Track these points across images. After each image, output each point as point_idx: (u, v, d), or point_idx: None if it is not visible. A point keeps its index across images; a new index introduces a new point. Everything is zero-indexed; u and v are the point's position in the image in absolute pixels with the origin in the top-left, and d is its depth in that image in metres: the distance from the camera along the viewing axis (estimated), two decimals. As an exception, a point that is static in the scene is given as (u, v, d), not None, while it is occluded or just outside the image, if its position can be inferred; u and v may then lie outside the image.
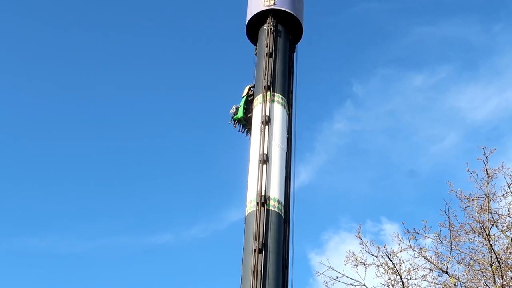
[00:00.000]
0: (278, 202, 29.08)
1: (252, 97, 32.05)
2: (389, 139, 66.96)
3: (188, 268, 64.75)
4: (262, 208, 28.68)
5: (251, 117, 31.61)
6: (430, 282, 18.37)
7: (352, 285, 19.01)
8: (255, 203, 28.82)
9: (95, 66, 70.40)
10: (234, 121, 32.23)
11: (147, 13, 72.72)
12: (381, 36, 70.35)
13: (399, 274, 18.05)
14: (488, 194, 19.84)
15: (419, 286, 18.41)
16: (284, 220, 29.13)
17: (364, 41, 70.88)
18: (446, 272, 18.23)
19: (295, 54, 33.24)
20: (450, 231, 18.64)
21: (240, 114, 31.95)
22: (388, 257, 18.10)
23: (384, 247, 18.36)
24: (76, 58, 70.55)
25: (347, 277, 18.84)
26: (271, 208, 28.81)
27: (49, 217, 66.64)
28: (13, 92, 69.10)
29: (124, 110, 69.79)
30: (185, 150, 68.74)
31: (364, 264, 18.81)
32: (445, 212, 18.76)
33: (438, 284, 18.40)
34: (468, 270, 18.52)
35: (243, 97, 32.30)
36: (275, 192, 29.24)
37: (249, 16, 33.28)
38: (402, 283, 18.15)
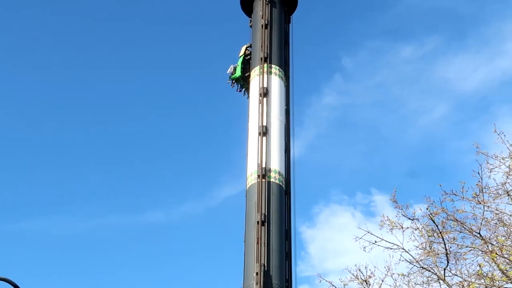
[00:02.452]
0: (279, 173, 29.06)
1: (249, 57, 32.12)
2: (379, 112, 67.15)
3: (180, 245, 64.40)
4: (263, 180, 28.64)
5: (248, 76, 31.66)
6: (463, 245, 18.37)
7: (391, 248, 19.02)
8: (256, 176, 28.75)
9: (84, 47, 69.09)
10: (232, 81, 32.30)
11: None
12: (368, 8, 69.83)
13: (441, 236, 18.11)
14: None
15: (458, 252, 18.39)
16: (285, 192, 29.18)
17: (351, 13, 70.28)
18: (480, 235, 18.26)
19: (290, 25, 33.15)
20: (482, 192, 18.78)
21: (238, 73, 31.97)
22: (432, 219, 18.12)
23: (427, 209, 18.37)
24: (64, 38, 69.10)
25: (386, 241, 18.85)
26: (272, 180, 28.79)
27: (41, 199, 65.80)
28: (4, 76, 67.56)
29: (111, 92, 68.72)
30: (173, 128, 68.02)
31: (402, 227, 18.86)
32: (478, 173, 18.87)
33: (470, 247, 18.47)
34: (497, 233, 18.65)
35: (240, 56, 32.34)
36: (276, 164, 29.21)
37: (243, -13, 33.05)
38: (445, 244, 18.20)
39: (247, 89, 31.75)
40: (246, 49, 32.32)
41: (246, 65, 31.99)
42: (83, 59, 68.87)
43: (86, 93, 67.90)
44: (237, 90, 32.37)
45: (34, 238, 63.62)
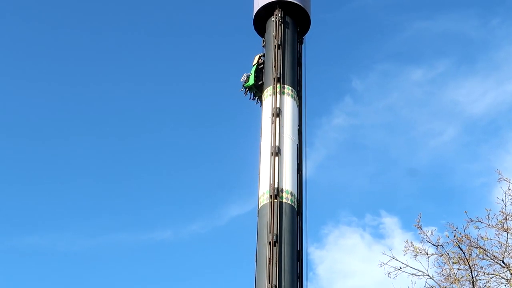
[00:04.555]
0: (291, 194, 29.05)
1: (262, 66, 32.29)
2: (388, 134, 67.54)
3: (188, 264, 64.30)
4: (275, 200, 28.61)
5: (262, 84, 31.82)
6: (488, 274, 18.31)
7: (416, 275, 18.92)
8: (268, 196, 28.73)
9: (95, 61, 69.51)
10: (245, 89, 32.47)
11: (148, 8, 71.83)
12: (379, 32, 70.76)
13: (467, 263, 18.04)
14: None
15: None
16: (297, 212, 29.14)
17: (362, 36, 71.25)
18: (503, 263, 18.24)
19: (303, 45, 33.21)
20: (506, 220, 18.75)
21: (251, 81, 32.12)
22: (458, 246, 18.10)
23: (454, 236, 18.23)
24: (75, 54, 69.34)
25: (411, 267, 18.76)
26: (284, 200, 28.77)
27: (48, 215, 65.76)
28: (9, 91, 67.61)
29: (121, 106, 68.86)
30: (183, 146, 68.12)
31: (427, 254, 18.81)
32: (502, 200, 18.87)
33: (494, 275, 18.40)
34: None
35: (254, 65, 32.49)
36: (288, 184, 29.19)
37: (256, 8, 33.09)
38: (471, 271, 18.12)
39: (260, 98, 31.89)
40: (259, 58, 32.55)
41: (259, 74, 32.18)
42: (92, 72, 69.06)
43: (95, 107, 68.19)
44: (250, 99, 32.58)
45: (39, 254, 63.43)
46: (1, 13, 69.97)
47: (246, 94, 32.53)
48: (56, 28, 70.47)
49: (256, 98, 32.37)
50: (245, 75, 32.40)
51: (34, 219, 65.06)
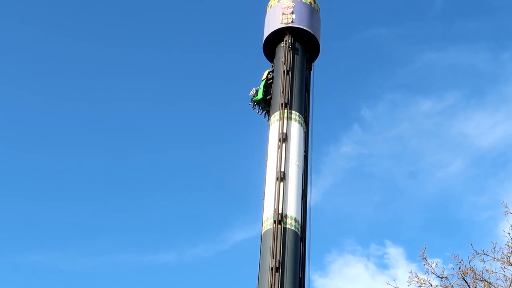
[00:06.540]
0: (295, 220, 28.95)
1: (271, 81, 32.46)
2: (396, 164, 67.33)
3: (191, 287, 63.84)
4: (279, 226, 28.51)
5: (270, 99, 32.00)
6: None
7: (421, 306, 18.77)
8: (272, 221, 28.65)
9: (101, 77, 69.46)
10: (254, 103, 32.56)
11: (157, 25, 72.22)
12: (389, 62, 70.75)
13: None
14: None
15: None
16: (300, 239, 29.02)
17: (372, 66, 71.15)
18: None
19: (312, 72, 33.32)
20: None
21: (260, 96, 32.27)
22: (463, 278, 17.99)
23: (459, 268, 18.10)
24: (86, 69, 69.46)
25: (416, 300, 18.61)
26: (288, 226, 28.68)
27: (51, 233, 65.46)
28: (13, 107, 67.90)
29: (126, 125, 68.74)
30: (188, 168, 67.97)
31: (431, 285, 18.68)
32: (508, 233, 18.80)
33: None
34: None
35: (262, 80, 32.61)
36: (292, 210, 29.10)
37: (266, 33, 33.31)
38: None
39: (268, 112, 32.05)
40: (268, 73, 32.74)
41: (268, 89, 32.33)
42: (97, 89, 69.26)
43: (100, 126, 68.11)
44: (257, 113, 32.70)
45: (41, 272, 63.11)
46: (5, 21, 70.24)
47: (254, 108, 32.66)
48: (59, 39, 70.62)
49: (264, 112, 32.49)
50: (254, 89, 32.54)
51: (38, 237, 64.92)
